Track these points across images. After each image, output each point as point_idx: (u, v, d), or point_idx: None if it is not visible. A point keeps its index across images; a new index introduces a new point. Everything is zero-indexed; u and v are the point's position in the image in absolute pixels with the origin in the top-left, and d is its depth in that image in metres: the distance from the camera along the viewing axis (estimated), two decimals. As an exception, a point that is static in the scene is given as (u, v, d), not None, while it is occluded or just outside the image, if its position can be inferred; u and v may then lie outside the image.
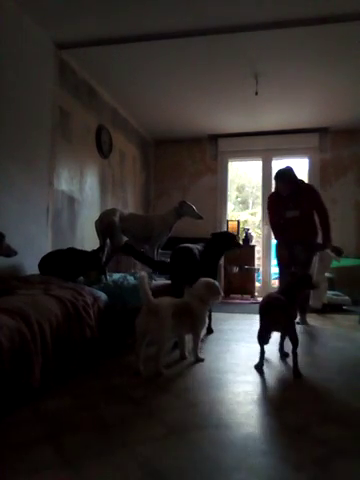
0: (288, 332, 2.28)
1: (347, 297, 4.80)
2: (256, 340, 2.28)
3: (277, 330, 2.39)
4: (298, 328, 3.52)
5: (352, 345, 2.97)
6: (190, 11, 3.19)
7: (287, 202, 3.81)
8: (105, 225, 3.44)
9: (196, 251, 3.08)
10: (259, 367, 2.27)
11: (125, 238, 3.82)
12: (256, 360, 2.36)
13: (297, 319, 3.75)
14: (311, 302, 4.04)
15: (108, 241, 3.59)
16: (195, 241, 5.72)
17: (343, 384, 2.08)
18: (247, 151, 6.42)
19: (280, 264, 3.92)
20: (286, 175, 3.80)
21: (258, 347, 2.30)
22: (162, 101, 5.02)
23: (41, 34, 3.45)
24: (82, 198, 4.30)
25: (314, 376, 2.17)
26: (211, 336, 3.09)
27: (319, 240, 3.84)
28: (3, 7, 2.98)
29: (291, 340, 2.22)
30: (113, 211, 3.60)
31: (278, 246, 3.92)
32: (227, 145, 6.35)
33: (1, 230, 2.54)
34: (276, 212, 3.94)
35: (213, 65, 4.08)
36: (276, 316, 2.23)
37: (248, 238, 5.97)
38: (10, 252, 2.57)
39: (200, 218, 3.84)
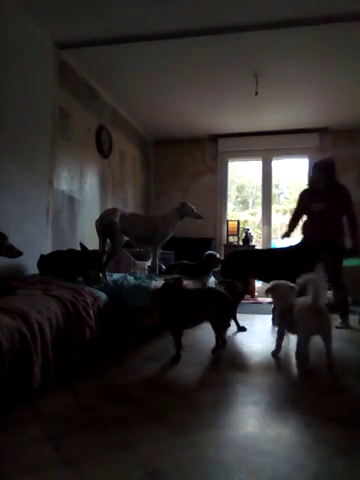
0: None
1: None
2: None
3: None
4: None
5: (352, 345, 2.97)
6: (190, 11, 3.19)
7: (316, 195, 3.68)
8: (105, 225, 3.44)
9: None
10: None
11: (126, 238, 3.82)
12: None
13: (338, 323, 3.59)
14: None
15: (108, 241, 3.58)
16: (196, 241, 5.77)
17: (344, 384, 2.08)
18: (247, 151, 6.42)
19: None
20: (326, 166, 3.69)
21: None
22: (162, 101, 5.03)
23: (41, 34, 3.45)
24: (82, 198, 4.30)
25: (314, 376, 2.17)
26: (211, 335, 3.08)
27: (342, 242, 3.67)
28: (3, 7, 2.98)
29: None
30: (114, 211, 3.59)
31: (303, 248, 3.73)
32: (227, 145, 6.35)
33: (1, 230, 2.54)
34: (300, 209, 3.86)
35: (213, 65, 4.08)
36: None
37: (248, 238, 5.98)
38: (14, 253, 2.54)
39: (200, 218, 3.85)
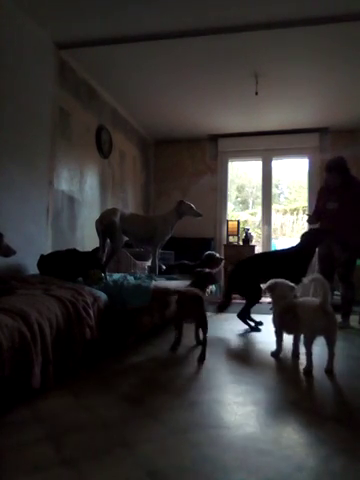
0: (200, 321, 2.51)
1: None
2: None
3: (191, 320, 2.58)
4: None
5: (352, 345, 2.97)
6: (190, 11, 3.19)
7: (331, 194, 3.69)
8: (105, 225, 3.44)
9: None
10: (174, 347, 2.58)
11: (125, 238, 3.82)
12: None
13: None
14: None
15: (108, 241, 3.58)
16: (196, 241, 5.76)
17: (343, 384, 2.08)
18: (247, 151, 6.42)
19: (319, 263, 3.85)
20: (336, 165, 3.69)
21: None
22: (162, 101, 5.02)
23: (41, 34, 3.45)
24: (82, 198, 4.30)
25: (314, 376, 2.17)
26: (211, 336, 3.08)
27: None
28: (3, 7, 2.98)
29: (202, 328, 2.50)
30: (113, 211, 3.59)
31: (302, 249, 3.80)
32: (227, 145, 6.35)
33: (1, 230, 2.54)
34: (319, 205, 3.86)
35: (213, 65, 4.08)
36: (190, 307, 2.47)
37: (248, 238, 5.97)
38: (9, 252, 2.56)
39: (199, 216, 3.83)
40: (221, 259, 4.19)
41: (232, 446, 1.39)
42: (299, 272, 3.33)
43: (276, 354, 2.48)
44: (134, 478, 1.18)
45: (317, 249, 3.92)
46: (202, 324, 2.50)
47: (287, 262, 3.40)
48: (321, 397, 1.91)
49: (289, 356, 2.52)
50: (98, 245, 3.49)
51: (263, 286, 2.64)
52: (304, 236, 3.62)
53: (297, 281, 3.29)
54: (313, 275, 2.42)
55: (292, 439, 1.46)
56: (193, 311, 2.47)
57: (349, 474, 1.24)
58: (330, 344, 2.20)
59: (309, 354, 2.20)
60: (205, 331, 2.48)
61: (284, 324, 2.45)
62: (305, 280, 2.41)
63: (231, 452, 1.34)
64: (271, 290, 2.54)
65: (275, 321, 2.51)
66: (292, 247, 3.67)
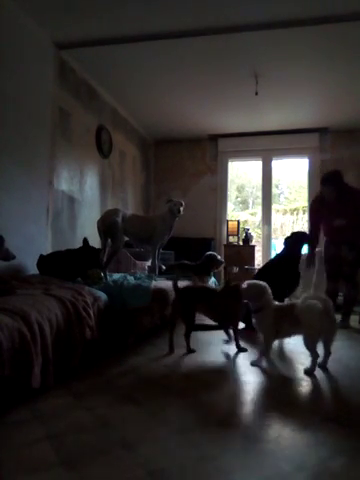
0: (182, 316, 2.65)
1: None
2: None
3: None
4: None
5: (352, 345, 2.97)
6: (190, 11, 3.19)
7: (334, 209, 3.70)
8: (107, 225, 3.44)
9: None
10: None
11: (126, 238, 3.82)
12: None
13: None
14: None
15: (109, 241, 3.58)
16: (196, 241, 5.76)
17: (343, 384, 2.08)
18: (247, 151, 6.42)
19: (326, 264, 3.87)
20: (332, 177, 3.71)
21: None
22: (162, 101, 5.02)
23: (41, 34, 3.45)
24: (82, 198, 4.30)
25: (314, 376, 2.17)
26: (211, 336, 3.09)
27: None
28: (3, 7, 2.98)
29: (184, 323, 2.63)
30: (115, 211, 3.60)
31: (325, 245, 3.87)
32: (227, 145, 6.35)
33: (1, 230, 2.54)
34: (317, 220, 3.87)
35: (213, 65, 4.08)
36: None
37: (248, 238, 5.97)
38: (8, 256, 2.57)
39: (179, 213, 3.79)
40: (222, 262, 4.18)
41: (232, 446, 1.39)
42: (292, 277, 3.34)
43: (257, 363, 2.33)
44: (134, 478, 1.18)
45: (323, 250, 3.92)
46: (184, 321, 2.63)
47: (278, 272, 3.31)
48: (321, 397, 1.91)
49: (289, 356, 2.53)
50: (98, 245, 3.50)
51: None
52: (287, 239, 3.61)
53: (294, 285, 3.35)
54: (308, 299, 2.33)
55: (292, 439, 1.46)
56: (180, 308, 2.64)
57: (349, 474, 1.24)
58: (328, 344, 2.26)
59: (315, 356, 2.20)
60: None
61: (281, 328, 2.32)
62: (301, 304, 2.34)
63: (231, 452, 1.34)
64: (260, 295, 2.37)
65: (261, 326, 2.37)
66: (277, 255, 3.67)
